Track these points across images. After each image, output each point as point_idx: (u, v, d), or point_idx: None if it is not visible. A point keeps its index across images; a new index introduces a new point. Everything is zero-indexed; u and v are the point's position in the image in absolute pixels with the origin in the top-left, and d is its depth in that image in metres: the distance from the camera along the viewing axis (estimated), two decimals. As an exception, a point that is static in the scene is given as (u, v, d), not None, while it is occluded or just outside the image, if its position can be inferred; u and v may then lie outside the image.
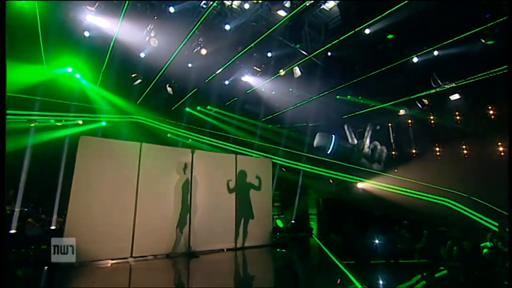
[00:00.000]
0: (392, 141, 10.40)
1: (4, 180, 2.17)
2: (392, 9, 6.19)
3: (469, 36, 6.29)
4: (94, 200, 4.77)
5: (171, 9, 5.85)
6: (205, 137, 9.32)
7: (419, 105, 9.12)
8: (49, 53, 6.53)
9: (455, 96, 8.59)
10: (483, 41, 6.40)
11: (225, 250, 5.96)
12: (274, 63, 7.74)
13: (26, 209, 6.13)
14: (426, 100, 9.03)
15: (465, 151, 8.64)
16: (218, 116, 9.49)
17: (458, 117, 8.87)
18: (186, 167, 5.77)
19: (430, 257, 4.94)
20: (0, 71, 2.58)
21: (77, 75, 7.56)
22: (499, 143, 7.95)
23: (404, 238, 5.68)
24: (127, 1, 5.36)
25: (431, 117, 9.42)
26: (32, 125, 6.14)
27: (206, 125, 9.67)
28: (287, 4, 6.55)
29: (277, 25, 6.56)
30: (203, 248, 5.69)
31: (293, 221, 8.58)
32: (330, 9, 7.61)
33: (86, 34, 6.14)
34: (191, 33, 6.59)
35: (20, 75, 6.23)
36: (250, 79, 8.30)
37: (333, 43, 7.13)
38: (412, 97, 8.79)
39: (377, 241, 5.29)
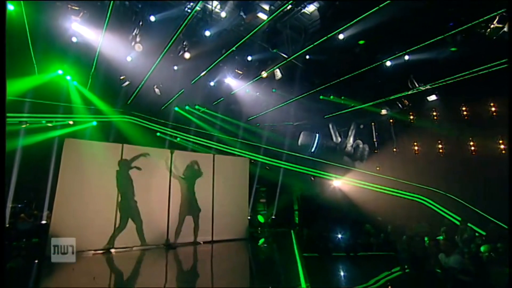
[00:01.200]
0: (374, 139, 10.76)
1: (4, 180, 2.19)
2: (364, 14, 6.50)
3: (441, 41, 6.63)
4: (77, 197, 5.19)
5: (152, 18, 6.18)
6: (191, 136, 9.69)
7: (399, 105, 9.52)
8: (39, 58, 6.89)
9: (432, 97, 8.96)
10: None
11: (201, 243, 6.41)
12: (254, 66, 8.06)
13: (19, 205, 6.58)
14: (406, 101, 9.41)
15: (440, 150, 9.00)
16: (204, 116, 9.85)
17: (435, 117, 9.23)
18: (167, 166, 6.18)
19: (388, 250, 5.34)
20: (0, 72, 2.58)
21: (68, 77, 7.95)
22: (471, 142, 8.32)
23: (368, 233, 6.08)
24: (109, 11, 5.70)
25: (411, 117, 9.78)
26: (23, 126, 6.53)
27: (194, 124, 10.06)
28: (266, 6, 6.86)
29: (255, 30, 6.88)
30: (180, 241, 6.15)
31: (273, 217, 9.01)
32: (311, 13, 7.92)
33: (74, 39, 6.50)
34: (174, 38, 6.93)
35: (11, 79, 6.62)
36: (233, 81, 8.65)
37: (309, 47, 7.46)
38: (390, 97, 9.12)
39: (340, 236, 5.69)
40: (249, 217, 8.62)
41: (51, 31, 6.17)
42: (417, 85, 8.56)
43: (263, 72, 8.50)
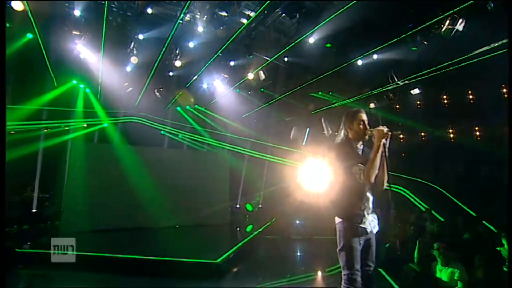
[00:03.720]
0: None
1: (4, 180, 2.35)
2: (330, 17, 7.03)
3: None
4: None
5: (140, 36, 7.22)
6: (188, 133, 10.80)
7: (386, 99, 9.90)
8: (56, 73, 8.22)
9: (416, 91, 9.26)
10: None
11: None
12: (238, 70, 8.90)
13: (46, 195, 8.14)
14: (391, 95, 9.77)
15: (423, 138, 9.39)
16: (199, 115, 10.89)
17: (418, 106, 9.58)
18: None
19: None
20: (0, 73, 2.63)
21: (81, 86, 9.32)
22: (450, 130, 8.72)
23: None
24: (103, 34, 6.81)
25: (397, 109, 10.13)
26: (45, 131, 7.98)
27: (195, 122, 11.17)
28: (247, 12, 7.59)
29: (232, 37, 7.65)
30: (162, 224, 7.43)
31: (260, 206, 9.95)
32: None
33: (82, 56, 7.76)
34: (163, 50, 7.92)
35: (34, 92, 8.06)
36: (221, 84, 9.55)
37: (285, 49, 8.13)
38: (373, 92, 9.52)
39: (298, 222, 6.50)
40: (238, 206, 9.68)
41: (61, 51, 7.44)
42: (396, 80, 8.94)
43: (249, 74, 9.33)
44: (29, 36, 6.99)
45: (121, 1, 6.46)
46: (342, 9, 6.68)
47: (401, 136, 9.96)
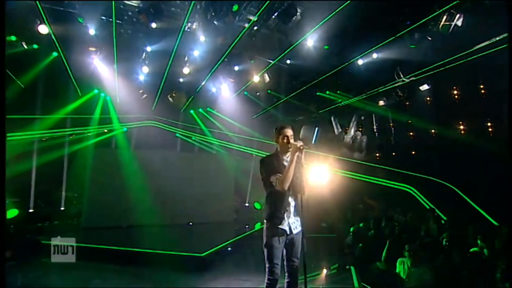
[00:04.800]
0: (375, 130, 11.04)
1: (5, 180, 2.42)
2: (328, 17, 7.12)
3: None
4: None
5: (148, 49, 7.83)
6: (202, 136, 11.38)
7: (395, 96, 9.74)
8: (79, 83, 9.10)
9: (424, 87, 9.02)
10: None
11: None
12: (242, 74, 9.25)
13: (75, 195, 9.13)
14: (400, 92, 9.59)
15: (433, 134, 9.12)
16: (209, 117, 11.41)
17: (428, 102, 9.29)
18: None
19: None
20: (0, 73, 2.63)
21: (102, 94, 10.20)
22: (461, 125, 8.41)
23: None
24: (115, 49, 7.49)
25: (407, 106, 9.90)
26: (70, 137, 8.92)
27: (207, 124, 11.72)
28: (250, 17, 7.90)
29: (234, 43, 7.99)
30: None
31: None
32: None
33: (98, 69, 8.57)
34: (171, 59, 8.49)
35: (62, 102, 9.02)
36: (229, 88, 9.98)
37: (285, 52, 8.34)
38: (380, 90, 9.40)
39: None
40: (247, 204, 10.10)
41: (82, 65, 8.26)
42: (402, 77, 8.79)
43: (254, 77, 9.65)
44: (55, 54, 7.86)
45: (128, 19, 7.04)
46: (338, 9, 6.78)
47: (411, 133, 9.76)
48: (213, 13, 6.75)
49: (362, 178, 9.32)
